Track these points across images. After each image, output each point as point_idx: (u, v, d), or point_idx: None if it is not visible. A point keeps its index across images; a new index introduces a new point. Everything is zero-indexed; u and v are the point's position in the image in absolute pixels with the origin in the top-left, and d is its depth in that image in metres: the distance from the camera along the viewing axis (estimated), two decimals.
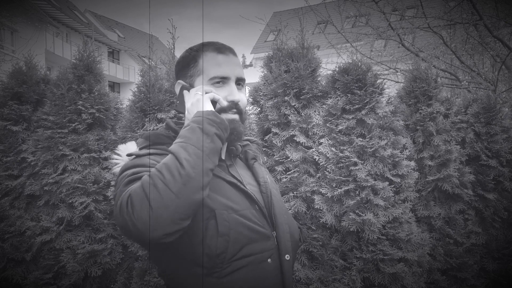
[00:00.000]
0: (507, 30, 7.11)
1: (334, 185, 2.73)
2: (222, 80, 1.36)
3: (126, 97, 3.37)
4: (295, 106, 2.98)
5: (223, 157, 1.42)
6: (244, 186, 1.37)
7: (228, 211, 1.27)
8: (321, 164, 2.79)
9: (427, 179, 2.95)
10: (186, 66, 1.41)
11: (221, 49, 1.39)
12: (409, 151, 2.93)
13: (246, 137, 1.60)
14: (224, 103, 1.34)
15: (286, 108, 2.98)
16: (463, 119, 3.23)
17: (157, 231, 1.09)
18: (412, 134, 3.06)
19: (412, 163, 2.82)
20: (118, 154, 1.42)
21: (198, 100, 1.30)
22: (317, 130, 2.89)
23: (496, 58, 7.01)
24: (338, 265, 2.68)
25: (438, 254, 2.90)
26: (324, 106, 2.94)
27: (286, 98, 2.97)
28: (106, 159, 3.03)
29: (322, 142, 2.83)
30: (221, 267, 1.23)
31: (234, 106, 1.35)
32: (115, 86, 30.93)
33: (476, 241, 2.99)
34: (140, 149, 1.35)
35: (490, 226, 3.08)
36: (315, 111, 2.97)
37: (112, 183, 2.87)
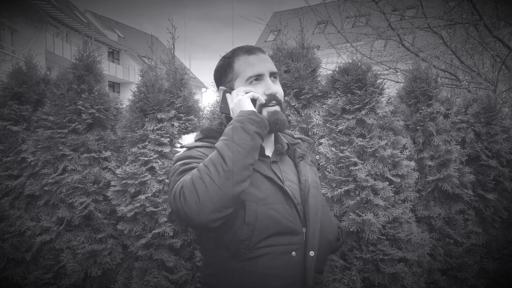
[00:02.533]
0: (507, 30, 7.11)
1: (334, 185, 2.73)
2: (257, 78, 1.50)
3: (126, 97, 3.37)
4: (295, 106, 2.99)
5: (269, 154, 1.54)
6: (282, 182, 1.48)
7: (258, 203, 1.39)
8: (321, 164, 2.80)
9: (427, 179, 2.95)
10: (224, 73, 1.56)
11: (251, 50, 1.54)
12: (409, 151, 2.93)
13: (299, 136, 1.72)
14: (263, 100, 1.47)
15: (286, 108, 2.98)
16: (463, 119, 3.23)
17: (204, 218, 1.27)
18: (412, 134, 3.06)
19: (412, 163, 2.82)
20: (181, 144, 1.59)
21: (240, 101, 1.44)
22: (317, 130, 2.89)
23: (496, 58, 7.01)
24: (338, 265, 2.68)
25: (438, 254, 2.90)
26: (324, 106, 2.94)
27: (286, 98, 2.97)
28: (106, 159, 3.03)
29: (322, 142, 2.83)
30: (244, 252, 1.37)
31: (273, 98, 1.49)
32: (115, 86, 30.93)
33: (476, 241, 2.99)
34: (196, 141, 1.53)
35: (490, 226, 3.08)
36: (315, 111, 2.97)
37: (112, 183, 2.87)
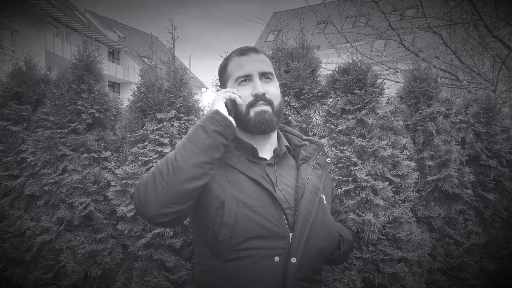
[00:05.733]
0: (507, 30, 7.11)
1: (334, 185, 2.73)
2: (246, 78, 1.50)
3: (126, 97, 3.37)
4: (295, 106, 2.98)
5: (266, 157, 1.52)
6: (273, 185, 1.45)
7: (239, 204, 1.37)
8: None
9: (427, 179, 2.95)
10: (220, 74, 1.60)
11: (243, 51, 1.54)
12: (409, 151, 2.93)
13: (307, 138, 1.67)
14: (240, 101, 1.46)
15: (286, 108, 2.98)
16: (463, 119, 3.23)
17: (150, 211, 1.28)
18: (412, 134, 3.06)
19: (412, 163, 2.82)
20: None
21: (214, 101, 1.45)
22: (317, 130, 2.89)
23: (496, 58, 7.01)
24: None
25: (438, 254, 2.90)
26: (324, 106, 2.94)
27: (286, 98, 2.97)
28: (106, 159, 3.03)
29: None
30: (225, 253, 1.36)
31: (259, 98, 1.47)
32: (115, 86, 30.92)
33: (476, 241, 2.99)
34: None
35: (490, 226, 3.08)
36: (315, 111, 2.96)
37: (112, 183, 2.87)
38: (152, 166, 2.80)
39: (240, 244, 1.35)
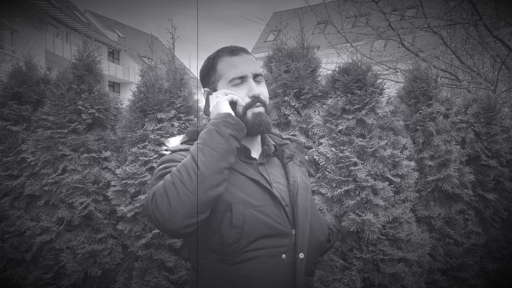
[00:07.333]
0: (507, 30, 7.11)
1: (334, 185, 2.73)
2: (240, 79, 1.47)
3: (126, 97, 3.37)
4: (295, 106, 2.98)
5: (255, 157, 1.52)
6: (269, 184, 1.45)
7: (245, 205, 1.36)
8: (321, 164, 2.80)
9: (427, 179, 2.95)
10: (207, 74, 1.54)
11: (234, 51, 1.51)
12: (409, 151, 2.93)
13: (287, 136, 1.67)
14: (242, 102, 1.45)
15: (286, 108, 2.98)
16: (463, 119, 3.23)
17: (175, 224, 1.23)
18: (412, 134, 3.06)
19: (412, 163, 2.82)
20: (167, 146, 1.54)
21: (217, 103, 1.41)
22: (317, 130, 2.89)
23: (496, 58, 7.01)
24: (338, 265, 2.68)
25: (438, 254, 2.90)
26: (324, 106, 2.94)
27: (286, 98, 2.97)
28: (106, 159, 3.03)
29: (322, 142, 2.83)
30: (232, 256, 1.34)
31: (256, 100, 1.47)
32: (115, 86, 30.92)
33: (476, 241, 2.99)
34: (181, 143, 1.49)
35: (490, 226, 3.08)
36: (315, 111, 2.96)
37: (112, 183, 2.87)
38: (152, 166, 2.81)
39: (248, 245, 1.34)
